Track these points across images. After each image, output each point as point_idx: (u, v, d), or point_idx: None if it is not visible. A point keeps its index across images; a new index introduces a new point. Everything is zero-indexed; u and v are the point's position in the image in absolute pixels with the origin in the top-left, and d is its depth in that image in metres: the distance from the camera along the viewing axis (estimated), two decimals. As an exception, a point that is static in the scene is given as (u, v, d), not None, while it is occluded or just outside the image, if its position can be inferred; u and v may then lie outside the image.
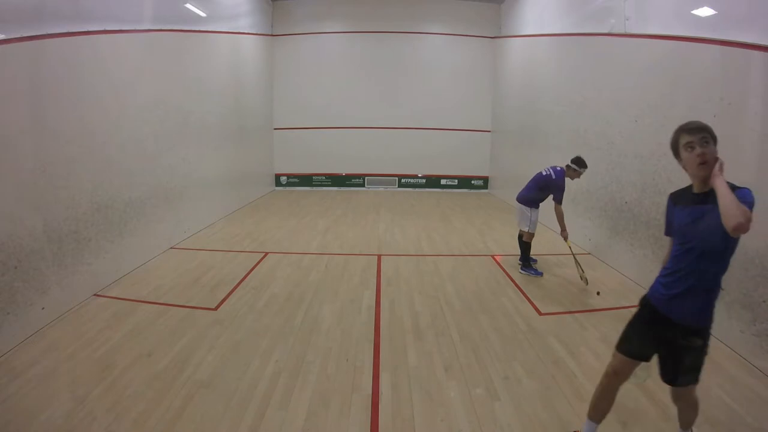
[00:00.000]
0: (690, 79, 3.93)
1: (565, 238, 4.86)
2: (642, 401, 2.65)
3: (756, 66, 3.22)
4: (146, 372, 2.90)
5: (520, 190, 5.19)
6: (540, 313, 3.93)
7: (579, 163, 4.84)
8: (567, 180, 4.90)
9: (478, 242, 6.48)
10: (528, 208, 4.99)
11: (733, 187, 1.71)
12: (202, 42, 7.01)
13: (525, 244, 5.01)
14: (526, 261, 5.01)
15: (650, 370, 2.08)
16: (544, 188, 4.93)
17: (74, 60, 3.98)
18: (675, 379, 2.01)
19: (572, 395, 2.71)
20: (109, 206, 4.47)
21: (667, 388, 2.81)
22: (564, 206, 4.86)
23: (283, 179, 11.76)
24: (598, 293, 4.36)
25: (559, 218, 4.83)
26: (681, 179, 3.93)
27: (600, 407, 2.13)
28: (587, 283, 4.51)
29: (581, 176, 4.92)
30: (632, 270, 4.81)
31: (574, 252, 4.88)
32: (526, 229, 5.00)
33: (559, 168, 4.92)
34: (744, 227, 1.62)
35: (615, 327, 3.61)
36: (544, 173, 4.97)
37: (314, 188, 11.73)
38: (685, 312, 1.89)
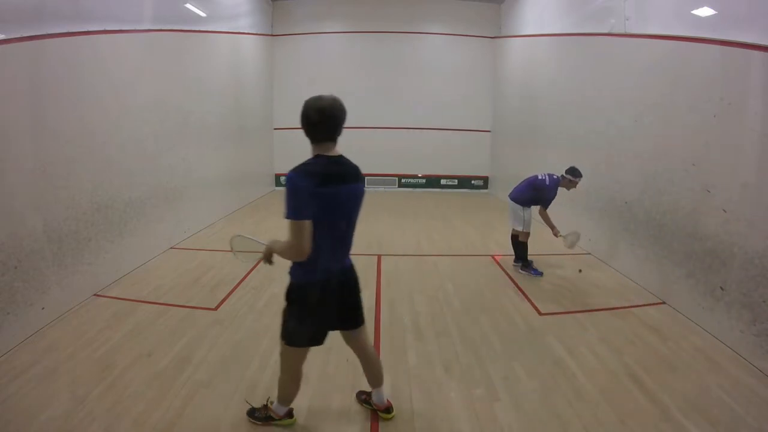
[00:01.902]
0: (690, 79, 3.93)
1: (556, 235, 4.89)
2: (642, 401, 2.65)
3: (756, 66, 3.22)
4: (146, 372, 2.89)
5: None
6: (540, 313, 3.93)
7: (574, 173, 4.89)
8: (563, 189, 4.96)
9: (478, 242, 6.48)
10: (521, 207, 5.00)
11: None
12: (202, 42, 7.01)
13: (522, 244, 5.01)
14: (526, 261, 5.02)
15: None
16: (537, 191, 4.94)
17: (74, 60, 3.98)
18: None
19: (572, 395, 2.70)
20: (109, 206, 4.47)
21: (663, 385, 2.81)
22: (563, 206, 4.86)
23: (283, 179, 11.73)
24: (579, 271, 4.98)
25: (545, 221, 4.92)
26: (682, 179, 3.96)
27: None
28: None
29: (577, 186, 4.95)
30: (632, 270, 4.80)
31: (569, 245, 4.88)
32: (520, 229, 5.01)
33: (555, 176, 4.94)
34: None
35: (615, 327, 3.64)
36: (540, 177, 4.99)
37: (314, 188, 11.72)
38: None
